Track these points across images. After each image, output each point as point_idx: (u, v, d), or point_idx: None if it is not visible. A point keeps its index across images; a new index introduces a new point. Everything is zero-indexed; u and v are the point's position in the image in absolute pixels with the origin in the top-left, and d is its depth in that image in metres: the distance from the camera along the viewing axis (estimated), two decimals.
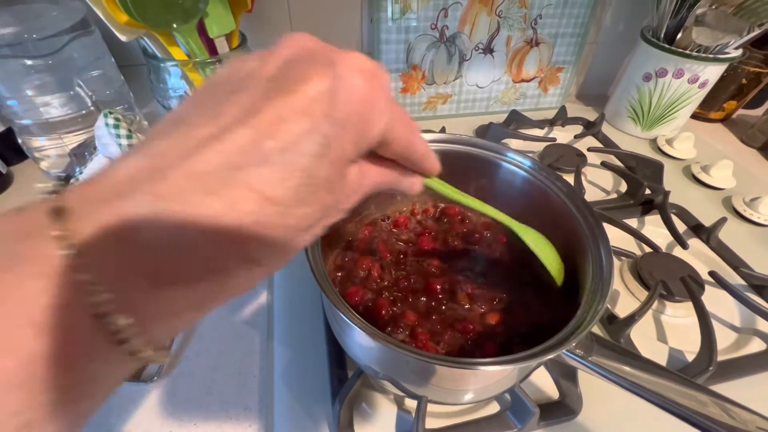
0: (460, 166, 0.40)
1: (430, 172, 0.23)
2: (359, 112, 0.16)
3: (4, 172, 0.55)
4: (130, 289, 0.13)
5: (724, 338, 0.41)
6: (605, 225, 0.31)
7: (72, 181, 0.38)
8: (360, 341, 0.28)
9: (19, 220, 0.13)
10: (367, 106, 0.16)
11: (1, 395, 0.11)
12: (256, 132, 0.14)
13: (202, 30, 0.47)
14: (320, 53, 0.16)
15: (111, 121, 0.36)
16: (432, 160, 0.22)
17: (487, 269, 0.38)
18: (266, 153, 0.14)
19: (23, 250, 0.12)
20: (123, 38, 0.43)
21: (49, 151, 0.51)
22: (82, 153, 0.49)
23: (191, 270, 0.14)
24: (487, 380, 0.27)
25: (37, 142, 0.50)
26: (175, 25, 0.43)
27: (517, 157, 0.37)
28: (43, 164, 0.53)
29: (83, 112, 0.50)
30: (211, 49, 0.49)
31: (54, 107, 0.48)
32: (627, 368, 0.25)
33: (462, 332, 0.32)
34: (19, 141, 0.51)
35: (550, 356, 0.22)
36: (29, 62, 0.45)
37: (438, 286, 0.35)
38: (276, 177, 0.14)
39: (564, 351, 0.23)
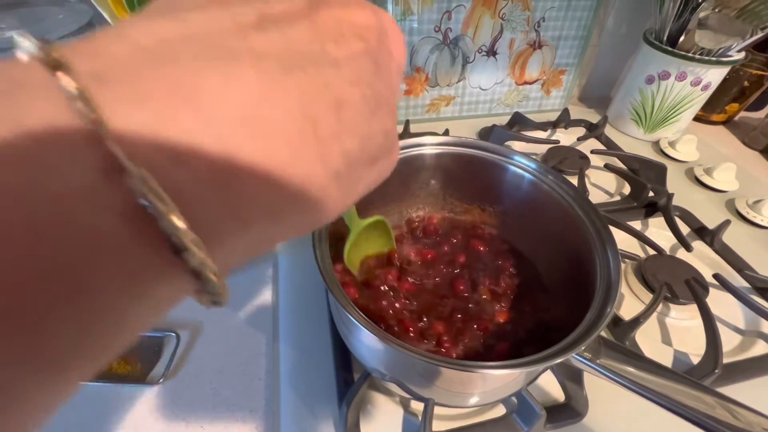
0: (466, 169, 0.40)
1: None
2: (401, 65, 0.16)
3: None
4: (183, 188, 0.09)
5: (728, 341, 0.41)
6: (607, 223, 0.31)
7: None
8: (367, 343, 0.28)
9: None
10: (404, 60, 0.16)
11: None
12: (317, 32, 0.12)
13: None
14: None
15: None
16: None
17: (495, 270, 0.38)
18: (334, 56, 0.12)
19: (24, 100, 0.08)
20: None
21: None
22: None
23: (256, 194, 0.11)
24: (494, 383, 0.27)
25: None
26: None
27: (523, 160, 0.38)
28: None
29: None
30: None
31: None
32: (634, 370, 0.25)
33: (480, 330, 0.33)
34: None
35: (560, 360, 0.22)
36: None
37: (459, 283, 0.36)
38: (346, 81, 0.13)
39: (573, 354, 0.23)
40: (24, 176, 0.07)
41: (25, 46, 0.09)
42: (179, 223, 0.09)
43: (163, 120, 0.09)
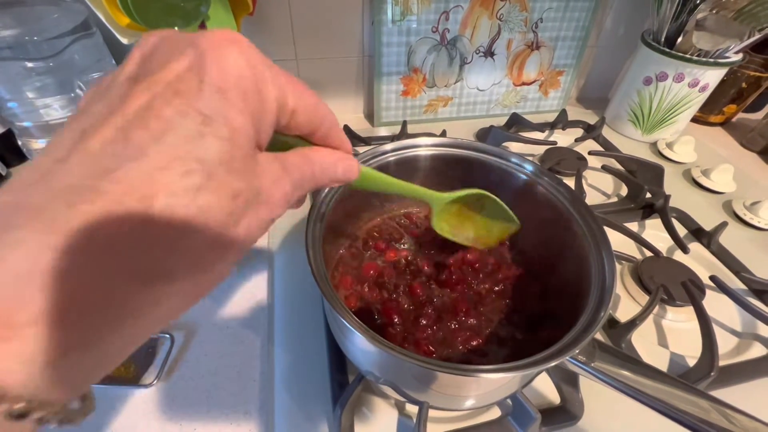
0: (462, 171, 0.40)
1: (347, 148, 0.21)
2: (240, 78, 0.14)
3: (3, 174, 0.55)
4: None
5: (724, 343, 0.41)
6: (606, 229, 0.31)
7: None
8: (361, 346, 0.28)
9: None
10: (247, 71, 0.14)
11: None
12: (121, 126, 0.12)
13: None
14: (177, 38, 0.15)
15: None
16: (340, 129, 0.20)
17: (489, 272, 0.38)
18: (139, 144, 0.12)
19: None
20: (124, 41, 0.43)
21: None
22: None
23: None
24: (489, 387, 0.27)
25: (38, 144, 0.50)
26: (176, 28, 0.43)
27: (520, 162, 0.37)
28: None
29: None
30: None
31: (54, 109, 0.48)
32: (629, 374, 0.25)
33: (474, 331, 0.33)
34: (20, 143, 0.51)
35: (554, 363, 0.22)
36: (30, 64, 0.45)
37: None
38: (157, 168, 0.12)
39: (567, 358, 0.23)
40: None
41: None
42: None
43: None
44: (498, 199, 0.33)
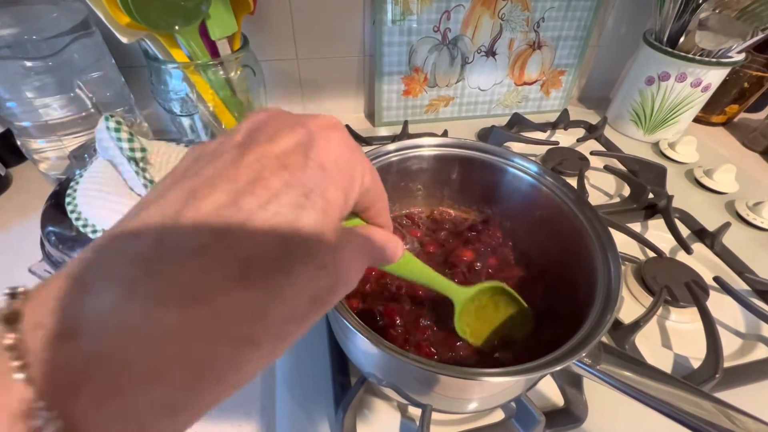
0: (464, 171, 0.39)
1: (391, 227, 0.22)
2: (339, 157, 0.15)
3: (2, 174, 0.55)
4: (77, 401, 0.10)
5: (728, 344, 0.40)
6: (608, 227, 0.31)
7: (72, 184, 0.38)
8: (363, 348, 0.28)
9: None
10: (347, 155, 0.16)
11: None
12: (233, 192, 0.13)
13: (204, 32, 0.46)
14: (287, 116, 0.16)
15: (112, 125, 0.35)
16: (388, 213, 0.21)
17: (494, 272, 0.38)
18: (248, 210, 0.13)
19: None
20: (124, 40, 0.42)
21: (48, 153, 0.51)
22: (82, 155, 0.49)
23: (161, 368, 0.11)
24: (493, 390, 0.27)
25: (37, 144, 0.50)
26: (176, 27, 0.43)
27: (523, 163, 0.37)
28: (42, 166, 0.52)
29: (83, 114, 0.50)
30: (213, 51, 0.49)
31: (54, 109, 0.48)
32: (634, 376, 0.25)
33: None
34: (18, 143, 0.50)
35: (560, 367, 0.22)
36: (29, 64, 0.44)
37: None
38: (259, 232, 0.13)
39: (574, 361, 0.23)
40: None
41: None
42: None
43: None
44: (514, 292, 0.33)
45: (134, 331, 0.11)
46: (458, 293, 0.31)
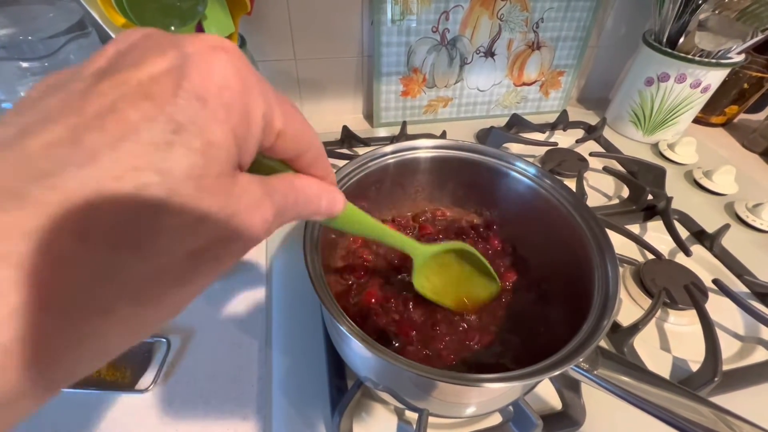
0: (462, 173, 0.39)
1: (332, 179, 0.19)
2: (225, 88, 0.12)
3: None
4: None
5: (727, 347, 0.40)
6: (607, 232, 0.31)
7: None
8: (359, 353, 0.28)
9: None
10: (234, 81, 0.13)
11: None
12: (74, 126, 0.11)
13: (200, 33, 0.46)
14: (160, 37, 0.13)
15: None
16: (326, 158, 0.18)
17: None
18: (91, 148, 0.10)
19: None
20: None
21: None
22: None
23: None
24: (490, 395, 0.27)
25: None
26: (173, 28, 0.43)
27: (521, 165, 0.37)
28: None
29: None
30: None
31: None
32: (632, 381, 0.25)
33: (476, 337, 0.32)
34: None
35: (557, 372, 0.22)
36: (25, 64, 0.44)
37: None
38: (106, 177, 0.10)
39: (571, 366, 0.23)
40: None
41: None
42: None
43: None
44: (480, 256, 0.32)
45: None
46: (416, 249, 0.29)
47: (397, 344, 0.33)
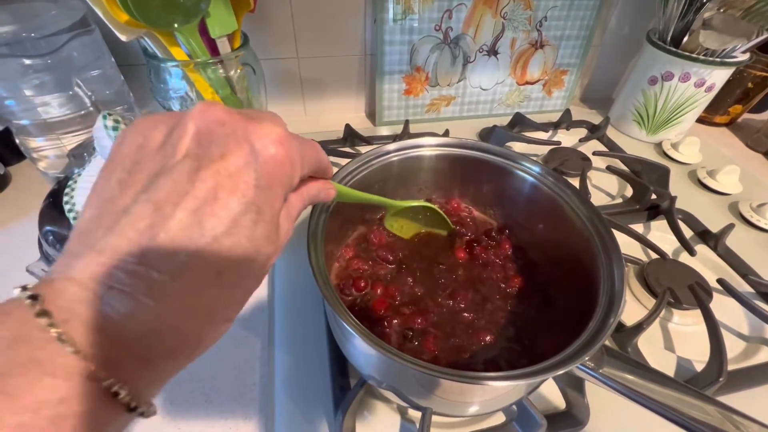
0: (466, 172, 0.39)
1: (330, 176, 0.25)
2: (281, 174, 0.18)
3: (1, 172, 0.54)
4: (125, 370, 0.14)
5: (732, 347, 0.40)
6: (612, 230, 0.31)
7: (69, 183, 0.37)
8: (363, 351, 0.28)
9: (8, 323, 0.13)
10: (286, 167, 0.18)
11: None
12: (194, 211, 0.15)
13: (203, 30, 0.46)
14: (232, 125, 0.17)
15: (110, 123, 0.35)
16: (330, 165, 0.24)
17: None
18: (211, 234, 0.15)
19: (28, 353, 0.12)
20: (123, 38, 0.42)
21: (47, 151, 0.51)
22: (81, 154, 0.48)
23: (173, 347, 0.16)
24: (494, 393, 0.27)
25: (35, 142, 0.50)
26: (176, 25, 0.42)
27: (525, 163, 0.37)
28: (41, 165, 0.52)
29: (82, 112, 0.49)
30: (213, 49, 0.48)
31: (53, 107, 0.47)
32: (637, 380, 0.25)
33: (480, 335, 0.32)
34: (17, 141, 0.50)
35: (563, 370, 0.22)
36: (28, 61, 0.44)
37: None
38: (224, 250, 0.16)
39: (577, 365, 0.23)
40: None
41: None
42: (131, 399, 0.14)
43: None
44: (441, 211, 0.40)
45: (150, 326, 0.14)
46: (390, 204, 0.36)
47: (416, 342, 0.32)
